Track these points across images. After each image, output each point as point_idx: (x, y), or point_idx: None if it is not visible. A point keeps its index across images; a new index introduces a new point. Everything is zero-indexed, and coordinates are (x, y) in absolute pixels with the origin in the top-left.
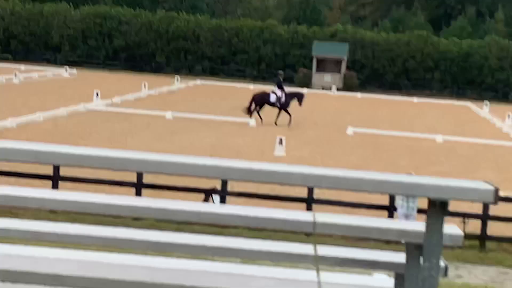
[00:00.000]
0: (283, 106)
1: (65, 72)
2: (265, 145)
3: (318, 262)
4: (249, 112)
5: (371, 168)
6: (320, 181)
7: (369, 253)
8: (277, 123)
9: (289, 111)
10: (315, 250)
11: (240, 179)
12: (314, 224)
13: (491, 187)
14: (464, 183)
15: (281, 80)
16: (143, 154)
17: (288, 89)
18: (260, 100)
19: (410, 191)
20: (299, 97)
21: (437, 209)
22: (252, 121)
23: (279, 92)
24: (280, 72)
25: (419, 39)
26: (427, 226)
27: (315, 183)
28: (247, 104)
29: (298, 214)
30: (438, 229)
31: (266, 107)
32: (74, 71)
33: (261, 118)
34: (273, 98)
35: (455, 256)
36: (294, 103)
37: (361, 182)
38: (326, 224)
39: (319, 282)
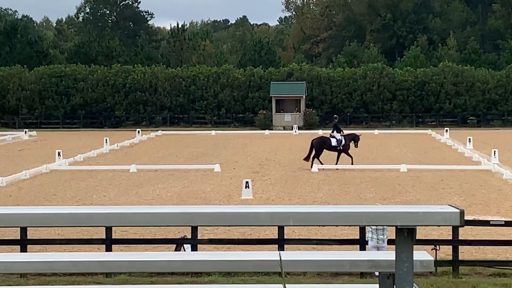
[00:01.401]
0: (344, 149)
1: (24, 135)
2: (231, 190)
3: None
4: (309, 159)
5: (339, 203)
6: (287, 219)
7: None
8: (312, 165)
9: (344, 153)
10: None
11: (208, 224)
12: (281, 263)
13: (456, 210)
14: (430, 208)
15: (338, 123)
16: (108, 208)
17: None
18: (320, 146)
19: (377, 221)
20: (356, 139)
21: (405, 236)
22: (217, 167)
23: (338, 136)
24: (336, 116)
25: (375, 71)
26: (397, 254)
27: (282, 221)
28: (307, 152)
29: (265, 255)
30: (408, 256)
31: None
32: (33, 132)
33: (321, 163)
34: (334, 142)
35: (430, 283)
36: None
37: (327, 216)
38: (295, 262)
39: None
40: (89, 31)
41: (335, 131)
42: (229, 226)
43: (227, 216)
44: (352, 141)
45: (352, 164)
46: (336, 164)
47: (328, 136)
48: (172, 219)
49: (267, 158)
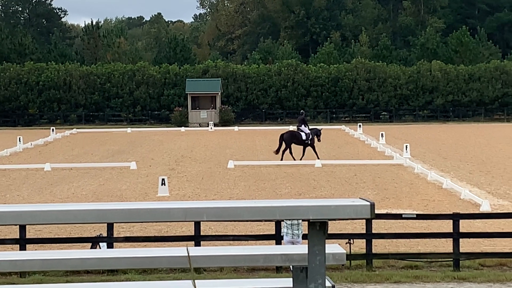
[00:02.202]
0: (311, 143)
1: None
2: (148, 187)
3: None
4: (279, 152)
5: (254, 199)
6: (201, 214)
7: (255, 282)
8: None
9: (310, 147)
10: (194, 285)
11: (121, 221)
12: (189, 258)
13: (367, 203)
14: (341, 201)
15: (305, 118)
16: (21, 206)
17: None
18: (290, 140)
19: (290, 214)
20: (318, 133)
21: (317, 230)
22: (133, 164)
23: (307, 130)
24: (302, 111)
25: (289, 68)
26: (309, 248)
27: (196, 217)
28: (277, 145)
29: (179, 251)
30: (320, 249)
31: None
32: None
33: (294, 159)
34: (303, 136)
35: (344, 277)
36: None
37: (241, 211)
38: (209, 257)
39: None
40: (1, 28)
41: (302, 125)
42: (142, 222)
43: (140, 213)
44: (316, 136)
45: (318, 159)
46: (301, 159)
47: (296, 130)
48: (84, 217)
49: (183, 155)
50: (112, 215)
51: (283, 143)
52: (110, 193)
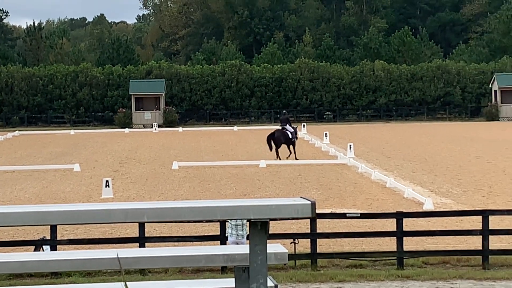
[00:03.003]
0: (294, 142)
1: None
2: (92, 189)
3: None
4: (278, 154)
5: (199, 199)
6: (141, 215)
7: (197, 283)
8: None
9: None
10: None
11: (62, 223)
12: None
13: (308, 202)
14: (282, 201)
15: (289, 117)
16: None
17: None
18: (281, 139)
19: (231, 214)
20: (296, 132)
21: (258, 229)
22: (77, 166)
23: (291, 129)
24: (285, 111)
25: (233, 68)
26: (251, 247)
27: (137, 218)
28: (267, 147)
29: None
30: (261, 249)
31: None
32: None
33: (280, 158)
34: (290, 135)
35: (289, 276)
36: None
37: (182, 211)
38: (151, 258)
39: None
40: None
41: (287, 125)
42: (82, 224)
43: (80, 214)
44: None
45: (296, 159)
46: (289, 157)
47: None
48: (25, 219)
49: (127, 157)
50: (53, 217)
51: (273, 143)
52: (53, 195)
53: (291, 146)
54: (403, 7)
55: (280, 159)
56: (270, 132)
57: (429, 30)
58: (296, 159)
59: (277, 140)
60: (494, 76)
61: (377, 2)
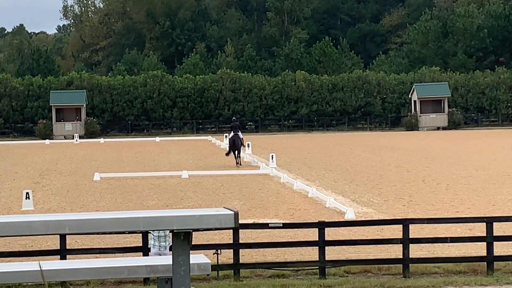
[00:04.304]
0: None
1: None
2: (11, 201)
3: None
4: (239, 159)
5: (120, 211)
6: (63, 227)
7: None
8: None
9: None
10: None
11: None
12: (42, 273)
13: (231, 212)
14: (205, 211)
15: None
16: None
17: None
18: (235, 145)
19: (154, 225)
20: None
21: (181, 240)
22: None
23: (241, 135)
24: (234, 118)
25: (155, 79)
26: (174, 258)
27: (58, 229)
28: (227, 152)
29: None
30: (184, 260)
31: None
32: None
33: (240, 164)
34: (241, 141)
35: (212, 287)
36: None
37: (104, 222)
38: (73, 270)
39: None
40: None
41: (239, 132)
42: (2, 236)
43: (0, 227)
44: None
45: (240, 164)
46: (239, 163)
47: (230, 137)
48: None
49: (48, 168)
50: None
51: (236, 148)
52: None
53: (236, 152)
54: (324, 18)
55: (240, 165)
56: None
57: (350, 41)
58: (240, 165)
59: (238, 146)
60: (414, 86)
61: (298, 13)
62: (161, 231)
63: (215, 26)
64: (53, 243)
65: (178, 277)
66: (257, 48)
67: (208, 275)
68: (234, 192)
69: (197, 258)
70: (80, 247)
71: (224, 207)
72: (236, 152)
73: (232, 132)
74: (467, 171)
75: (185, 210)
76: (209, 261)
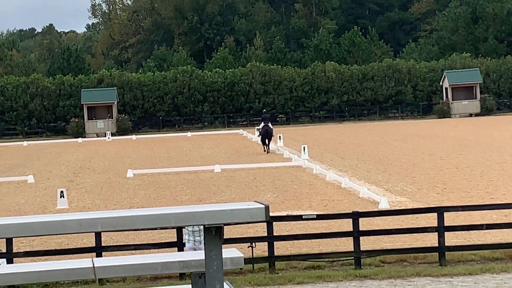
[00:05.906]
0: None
1: None
2: (46, 200)
3: None
4: (268, 147)
5: (155, 207)
6: (95, 225)
7: None
8: None
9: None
10: None
11: (14, 236)
12: (94, 269)
13: (261, 206)
14: (236, 206)
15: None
16: None
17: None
18: (268, 133)
19: (185, 221)
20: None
21: (213, 235)
22: (31, 178)
23: (271, 126)
24: (264, 110)
25: (184, 74)
26: (206, 253)
27: (90, 228)
28: (260, 144)
29: (77, 263)
30: (217, 254)
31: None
32: None
33: (268, 151)
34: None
35: (247, 281)
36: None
37: (136, 219)
38: (107, 268)
39: None
40: None
41: (269, 123)
42: (36, 236)
43: (34, 226)
44: None
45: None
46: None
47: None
48: None
49: (81, 166)
50: (7, 230)
51: (266, 138)
52: (7, 208)
53: (266, 140)
54: (352, 8)
55: (268, 152)
56: (261, 131)
57: (379, 30)
58: (268, 152)
59: (270, 133)
60: (444, 73)
61: (326, 3)
62: (195, 226)
63: (243, 20)
64: (89, 240)
65: (211, 271)
66: (286, 40)
67: (241, 268)
68: (267, 185)
69: (230, 252)
70: (115, 244)
71: (255, 201)
72: (267, 140)
73: (262, 122)
74: (501, 157)
75: (216, 205)
76: (242, 255)
